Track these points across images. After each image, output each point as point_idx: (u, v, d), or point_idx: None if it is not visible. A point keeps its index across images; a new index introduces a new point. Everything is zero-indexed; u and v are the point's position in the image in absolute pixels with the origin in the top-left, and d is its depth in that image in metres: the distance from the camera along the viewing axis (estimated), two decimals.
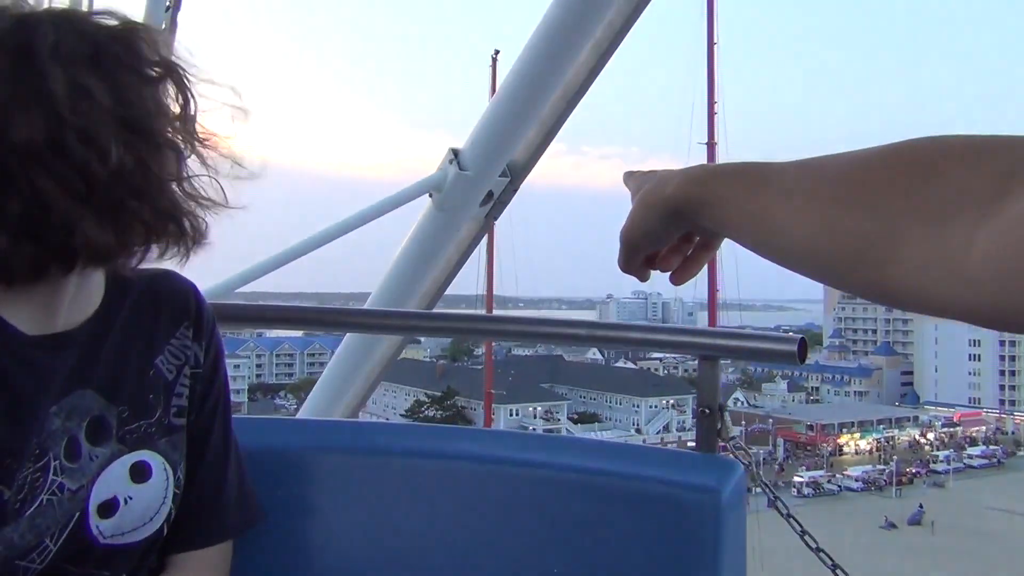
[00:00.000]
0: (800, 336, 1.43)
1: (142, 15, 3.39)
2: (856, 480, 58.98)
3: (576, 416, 70.06)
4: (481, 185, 2.83)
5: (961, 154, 0.51)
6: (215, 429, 1.22)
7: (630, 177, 0.83)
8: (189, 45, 1.05)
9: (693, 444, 1.49)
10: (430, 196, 2.93)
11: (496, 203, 2.94)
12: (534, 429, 64.18)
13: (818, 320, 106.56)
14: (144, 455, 1.12)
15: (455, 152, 2.83)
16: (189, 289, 1.22)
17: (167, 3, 3.72)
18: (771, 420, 70.00)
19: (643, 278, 0.85)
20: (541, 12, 2.55)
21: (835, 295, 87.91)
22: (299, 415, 3.59)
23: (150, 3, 3.73)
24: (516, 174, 2.85)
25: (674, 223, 0.74)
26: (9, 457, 0.99)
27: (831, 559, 1.53)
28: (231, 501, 1.22)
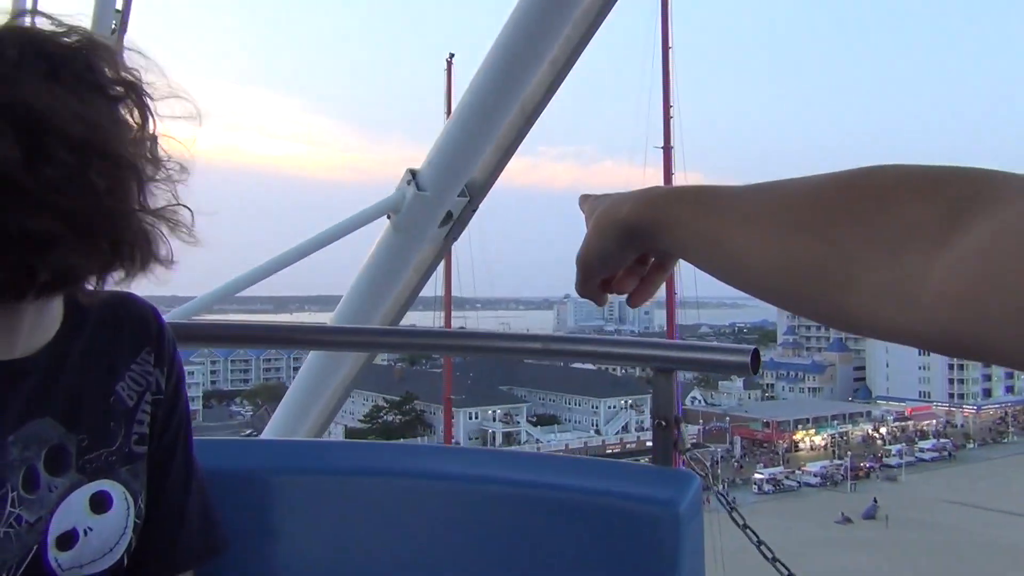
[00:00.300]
0: (752, 348, 1.44)
1: (90, 17, 3.31)
2: (814, 476, 60.03)
3: (535, 418, 70.25)
4: (440, 206, 2.82)
5: (916, 184, 0.51)
6: (176, 456, 1.19)
7: (584, 201, 0.83)
8: (143, 47, 1.01)
9: (651, 444, 1.49)
10: (388, 217, 2.90)
11: (455, 223, 2.92)
12: (493, 432, 64.24)
13: (772, 317, 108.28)
14: (104, 485, 1.08)
15: (413, 173, 2.80)
16: (150, 313, 1.19)
17: (117, 6, 3.65)
18: (728, 418, 70.90)
19: (600, 302, 0.85)
20: (496, 15, 2.54)
21: None
22: (264, 435, 3.53)
23: (99, 6, 3.66)
24: (475, 194, 2.84)
25: (630, 245, 0.75)
26: None
27: (787, 569, 1.54)
28: (194, 529, 1.19)
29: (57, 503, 1.04)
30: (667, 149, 31.21)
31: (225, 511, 1.25)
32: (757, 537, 1.55)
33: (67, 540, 1.04)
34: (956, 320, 0.45)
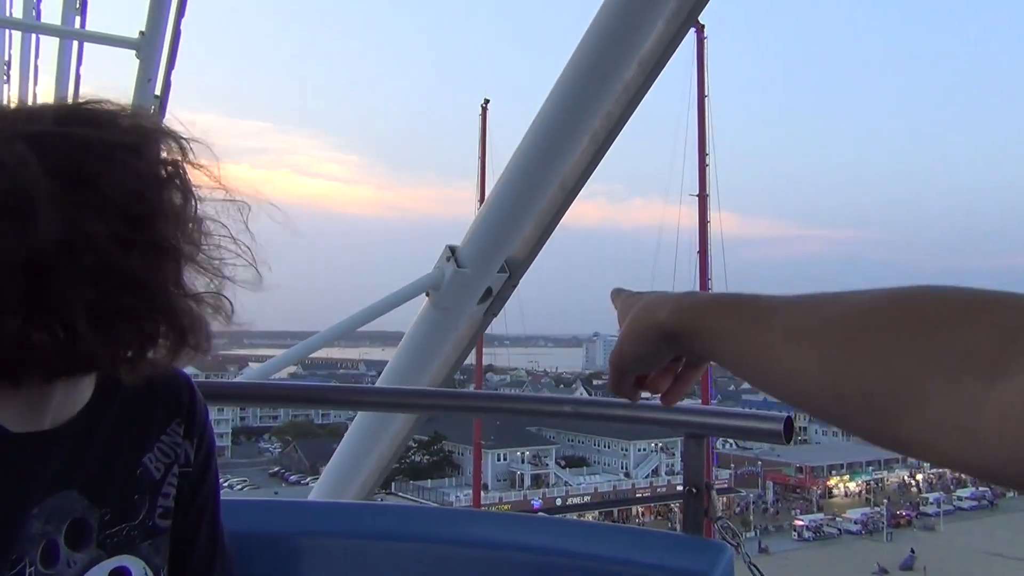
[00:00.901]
0: (785, 415, 1.42)
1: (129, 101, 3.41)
2: (855, 523, 58.62)
3: (564, 461, 69.49)
4: (479, 282, 2.79)
5: (965, 309, 0.51)
6: (202, 531, 1.17)
7: (617, 296, 0.83)
8: (198, 132, 1.01)
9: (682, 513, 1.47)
10: (427, 295, 2.89)
11: (495, 299, 2.88)
12: (521, 475, 63.56)
13: None
14: (124, 560, 1.07)
15: (452, 249, 2.79)
16: (183, 383, 1.18)
17: (155, 91, 3.72)
18: (760, 463, 69.60)
19: (634, 399, 0.85)
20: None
21: None
22: (311, 497, 3.53)
23: (138, 91, 3.74)
24: (515, 270, 2.80)
25: (667, 349, 0.75)
26: None
27: None
28: None
29: None
30: (703, 197, 31.27)
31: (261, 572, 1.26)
32: None
33: None
34: (1014, 453, 0.45)
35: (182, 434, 1.15)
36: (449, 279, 2.77)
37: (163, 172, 0.98)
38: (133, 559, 1.08)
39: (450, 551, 1.42)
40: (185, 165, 0.99)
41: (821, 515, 60.63)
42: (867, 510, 61.58)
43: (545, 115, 2.44)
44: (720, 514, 1.44)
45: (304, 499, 2.14)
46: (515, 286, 2.89)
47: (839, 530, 58.07)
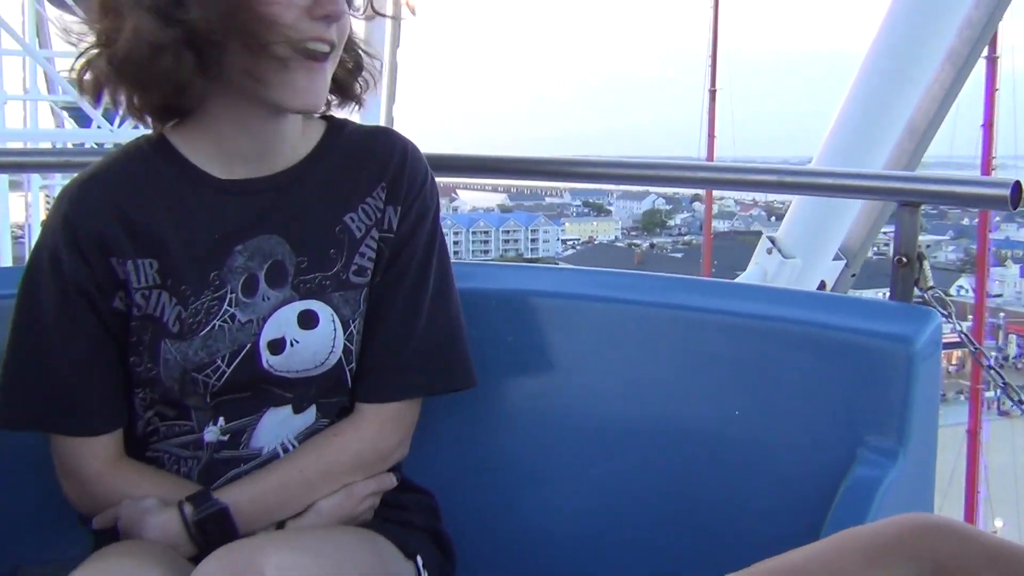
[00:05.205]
0: (1015, 180, 1.32)
1: None
2: None
3: None
4: (810, 275, 2.45)
5: None
6: (401, 293, 1.21)
7: None
8: None
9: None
10: None
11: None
12: None
13: None
14: (313, 304, 1.16)
15: (772, 240, 2.45)
16: (398, 150, 1.21)
17: None
18: (1002, 314, 63.86)
19: None
20: None
21: None
22: None
23: None
24: (852, 257, 2.46)
25: None
26: (187, 285, 1.13)
27: None
28: (412, 364, 1.21)
29: (270, 312, 1.15)
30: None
31: (492, 329, 1.36)
32: None
33: (277, 346, 1.15)
34: None
35: (384, 199, 1.20)
36: (774, 275, 2.51)
37: None
38: (322, 305, 1.16)
39: (659, 313, 1.44)
40: None
41: None
42: None
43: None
44: (930, 284, 1.38)
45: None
46: (854, 276, 2.57)
47: None
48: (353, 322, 1.18)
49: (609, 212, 78.45)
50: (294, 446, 1.19)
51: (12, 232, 11.80)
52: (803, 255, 2.47)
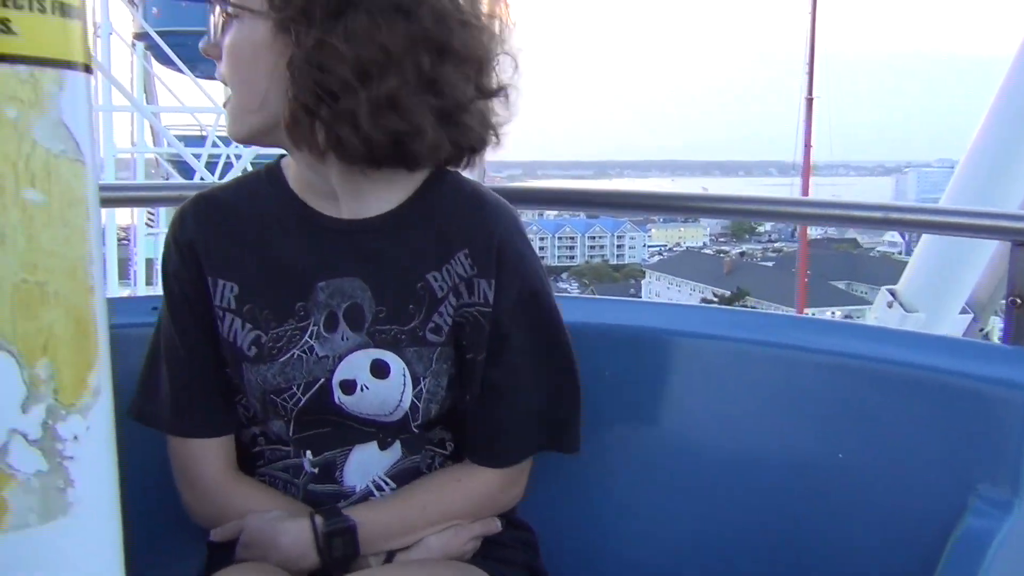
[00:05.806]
0: None
1: None
2: None
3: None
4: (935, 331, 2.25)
5: None
6: (523, 368, 1.21)
7: None
8: None
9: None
10: None
11: None
12: None
13: None
14: (387, 356, 1.17)
15: (892, 292, 2.31)
16: (486, 216, 1.19)
17: None
18: None
19: None
20: None
21: None
22: None
23: None
24: (979, 311, 2.25)
25: None
26: (269, 310, 1.16)
27: None
28: (533, 431, 1.23)
29: (346, 352, 1.16)
30: None
31: (595, 363, 1.34)
32: None
33: (348, 387, 1.16)
34: None
35: (468, 266, 1.17)
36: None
37: None
38: (395, 357, 1.17)
39: (766, 352, 1.43)
40: None
41: None
42: None
43: None
44: None
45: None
46: (983, 331, 2.36)
47: None
48: (424, 379, 1.17)
49: (696, 218, 77.24)
50: (386, 482, 1.21)
51: (116, 235, 13.10)
52: (927, 309, 2.33)
